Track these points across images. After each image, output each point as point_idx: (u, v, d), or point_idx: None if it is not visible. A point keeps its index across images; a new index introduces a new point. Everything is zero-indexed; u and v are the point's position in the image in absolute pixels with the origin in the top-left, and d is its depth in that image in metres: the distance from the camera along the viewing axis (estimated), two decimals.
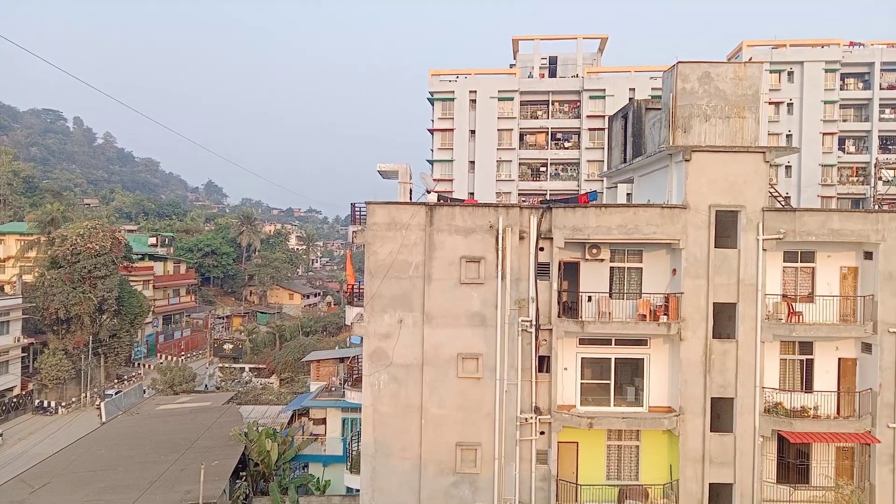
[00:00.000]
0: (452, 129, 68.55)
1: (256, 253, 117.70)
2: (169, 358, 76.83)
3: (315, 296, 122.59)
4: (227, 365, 67.63)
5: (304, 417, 37.72)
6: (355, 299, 24.97)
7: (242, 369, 66.11)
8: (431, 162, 69.89)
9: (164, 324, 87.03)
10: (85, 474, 29.25)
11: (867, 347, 22.80)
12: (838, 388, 23.23)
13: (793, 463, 23.41)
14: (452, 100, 68.48)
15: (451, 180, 67.98)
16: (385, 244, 22.39)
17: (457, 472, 22.25)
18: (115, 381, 67.06)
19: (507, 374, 22.20)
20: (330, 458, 34.21)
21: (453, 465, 22.25)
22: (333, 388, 37.87)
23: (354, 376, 28.03)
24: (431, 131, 70.09)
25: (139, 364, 75.44)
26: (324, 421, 36.23)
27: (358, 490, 24.31)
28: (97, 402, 54.25)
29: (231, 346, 78.40)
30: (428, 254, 22.37)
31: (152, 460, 30.39)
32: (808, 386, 23.23)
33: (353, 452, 27.97)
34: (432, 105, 69.85)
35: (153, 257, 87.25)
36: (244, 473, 31.03)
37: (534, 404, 22.30)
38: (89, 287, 61.01)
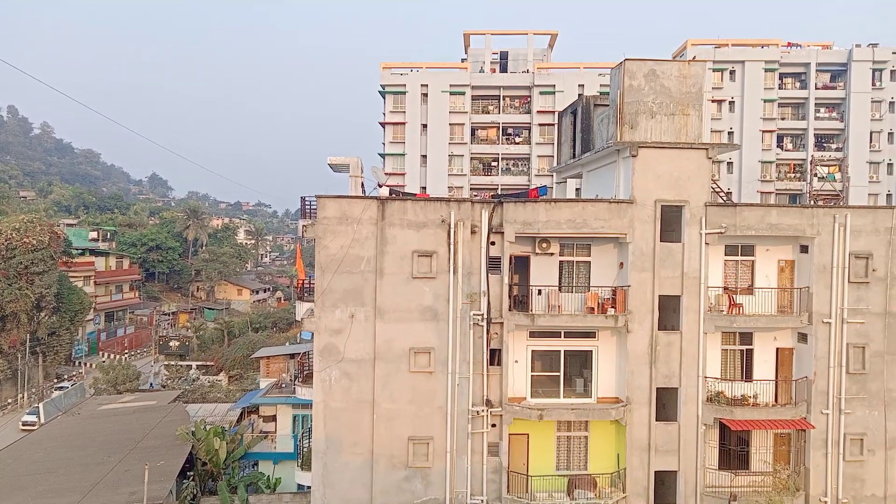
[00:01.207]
0: (404, 123, 68.37)
1: (203, 248, 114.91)
2: (112, 356, 74.39)
3: (265, 291, 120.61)
4: (173, 363, 65.83)
5: (254, 415, 37.15)
6: (306, 294, 24.69)
7: (189, 367, 64.57)
8: (383, 156, 69.56)
9: (107, 321, 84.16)
10: (21, 478, 28.14)
11: (803, 337, 23.77)
12: (776, 377, 24.16)
13: (734, 450, 24.26)
14: (404, 93, 68.27)
15: (403, 174, 67.84)
16: (336, 238, 22.19)
17: (409, 467, 22.28)
18: (55, 380, 64.62)
19: (459, 367, 22.32)
20: (280, 455, 33.80)
21: (406, 460, 22.28)
22: (284, 385, 37.41)
23: (305, 372, 27.71)
24: (383, 125, 69.75)
25: (80, 363, 72.82)
26: (274, 418, 35.75)
27: (309, 487, 24.10)
28: (35, 404, 52.18)
29: (177, 344, 76.44)
30: (380, 248, 22.27)
31: (95, 462, 29.44)
32: (748, 375, 24.09)
33: (305, 449, 27.69)
34: (384, 98, 69.49)
35: (94, 252, 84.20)
36: (191, 473, 30.37)
37: (485, 397, 22.49)
38: (26, 283, 58.52)
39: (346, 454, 22.22)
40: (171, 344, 76.60)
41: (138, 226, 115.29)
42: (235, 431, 33.17)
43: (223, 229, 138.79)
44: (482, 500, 22.37)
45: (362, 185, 26.29)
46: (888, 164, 66.63)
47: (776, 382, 24.03)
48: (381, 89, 69.29)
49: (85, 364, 72.50)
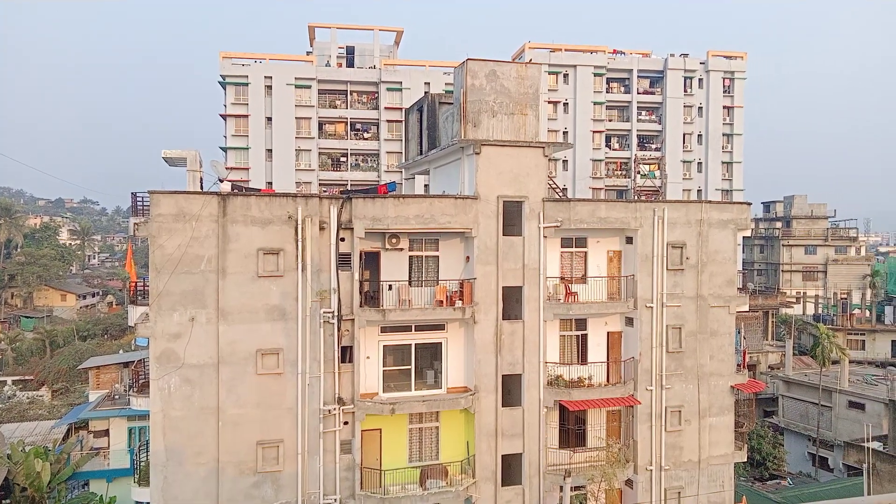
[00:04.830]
0: (247, 116, 65.69)
1: (19, 250, 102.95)
2: None
3: (93, 296, 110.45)
4: None
5: (83, 431, 34.08)
6: (139, 298, 22.97)
7: (3, 382, 57.78)
8: (225, 149, 66.37)
9: None
10: None
11: (630, 321, 25.99)
12: (608, 359, 26.23)
13: (572, 429, 26.03)
14: (246, 84, 65.57)
15: (248, 169, 65.21)
16: (173, 237, 20.84)
17: (258, 472, 21.52)
18: None
19: (310, 366, 21.91)
20: (115, 472, 31.31)
21: (254, 465, 21.49)
22: (117, 396, 34.62)
23: (141, 381, 25.80)
24: (224, 117, 66.52)
25: None
26: (107, 432, 33.02)
27: (148, 503, 22.51)
28: None
29: None
30: (222, 246, 21.24)
31: None
32: (583, 358, 25.92)
33: (142, 463, 25.83)
34: (224, 89, 66.28)
35: None
36: (7, 501, 27.22)
37: (337, 395, 22.27)
38: None
39: (188, 465, 21.00)
40: None
41: None
42: (61, 451, 30.26)
43: (42, 229, 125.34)
44: (335, 500, 22.17)
45: (201, 179, 24.96)
46: (698, 162, 74.47)
47: (608, 364, 26.07)
48: (221, 80, 65.96)
49: None
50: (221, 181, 24.30)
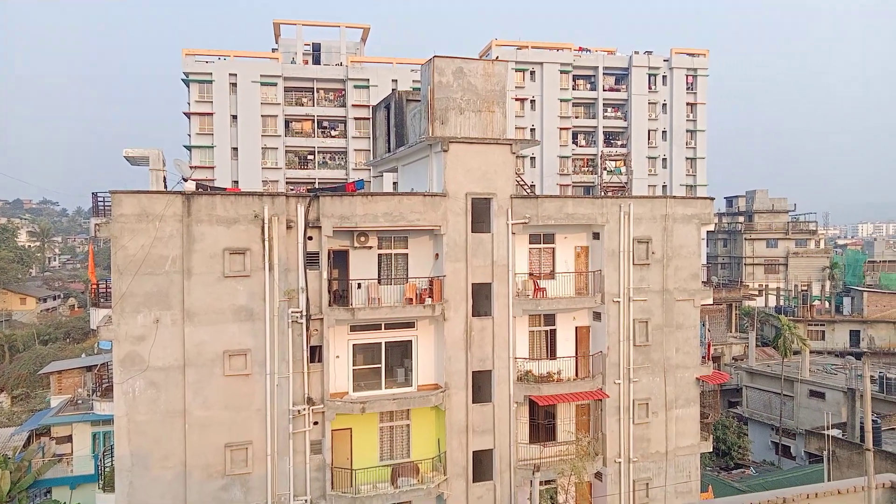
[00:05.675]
0: (212, 114, 64.62)
1: None
2: None
3: (54, 299, 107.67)
4: None
5: (45, 437, 33.25)
6: (102, 300, 22.52)
7: None
8: (189, 148, 65.26)
9: None
10: None
11: (597, 316, 26.29)
12: (576, 354, 26.49)
13: (542, 423, 26.24)
14: (211, 82, 64.49)
15: (213, 168, 64.20)
16: (136, 237, 20.43)
17: (227, 475, 21.25)
18: None
19: (278, 367, 21.70)
20: (79, 478, 30.62)
21: (223, 468, 21.22)
22: (80, 401, 33.85)
23: (105, 385, 25.31)
24: (188, 115, 65.37)
25: None
26: (70, 438, 32.28)
27: None
28: None
29: None
30: (187, 246, 20.89)
31: None
32: (552, 353, 26.14)
33: (107, 469, 25.30)
34: (188, 87, 65.12)
35: None
36: None
37: (306, 395, 22.10)
38: None
39: (155, 469, 20.64)
40: None
41: None
42: (22, 458, 29.45)
43: None
44: (306, 500, 22.02)
45: (165, 179, 24.51)
46: (663, 158, 75.54)
47: (576, 358, 26.33)
48: (184, 77, 64.78)
49: None
50: (186, 180, 23.91)
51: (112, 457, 23.39)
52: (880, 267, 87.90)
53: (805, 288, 77.03)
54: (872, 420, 31.18)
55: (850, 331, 69.28)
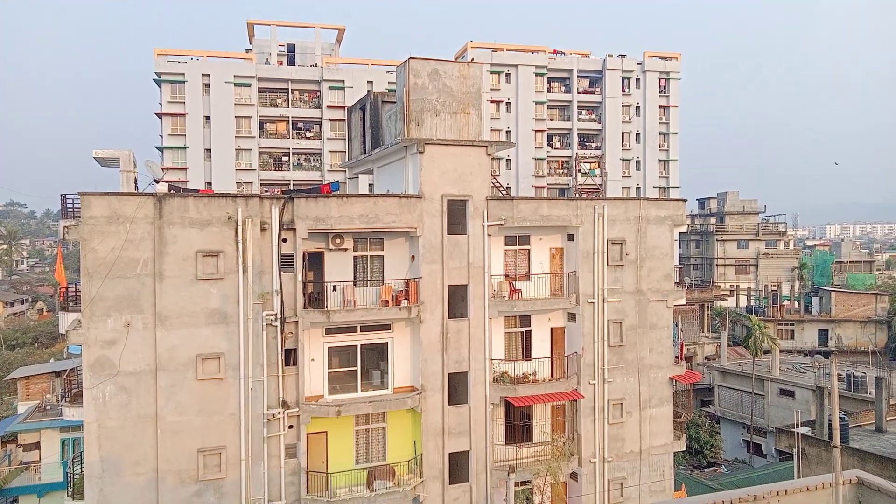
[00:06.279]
0: (185, 114, 63.86)
1: None
2: None
3: (22, 303, 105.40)
4: None
5: (12, 444, 32.46)
6: (71, 304, 22.05)
7: None
8: (161, 149, 64.38)
9: None
10: None
11: (572, 317, 26.46)
12: (552, 354, 26.64)
13: (518, 425, 26.33)
14: (184, 82, 63.74)
15: (185, 169, 63.43)
16: (106, 240, 20.07)
17: (200, 480, 20.96)
18: None
19: (253, 371, 21.48)
20: (47, 486, 29.99)
21: (196, 473, 20.92)
22: (49, 407, 33.15)
23: (74, 391, 24.81)
24: (160, 115, 64.48)
25: None
26: (38, 445, 31.58)
27: None
28: None
29: None
30: (158, 249, 20.58)
31: None
32: (528, 354, 26.26)
33: (76, 476, 24.81)
34: (160, 87, 64.25)
35: None
36: None
37: (281, 399, 21.91)
38: None
39: (126, 475, 20.29)
40: None
41: None
42: None
43: None
44: None
45: (136, 180, 24.14)
46: (636, 160, 76.43)
47: (552, 359, 26.48)
48: (156, 77, 63.92)
49: None
50: (157, 182, 23.58)
51: (81, 464, 22.96)
52: (847, 267, 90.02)
53: (775, 288, 78.52)
54: (840, 417, 31.89)
55: (819, 330, 70.73)
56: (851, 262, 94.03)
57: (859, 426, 38.05)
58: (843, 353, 66.30)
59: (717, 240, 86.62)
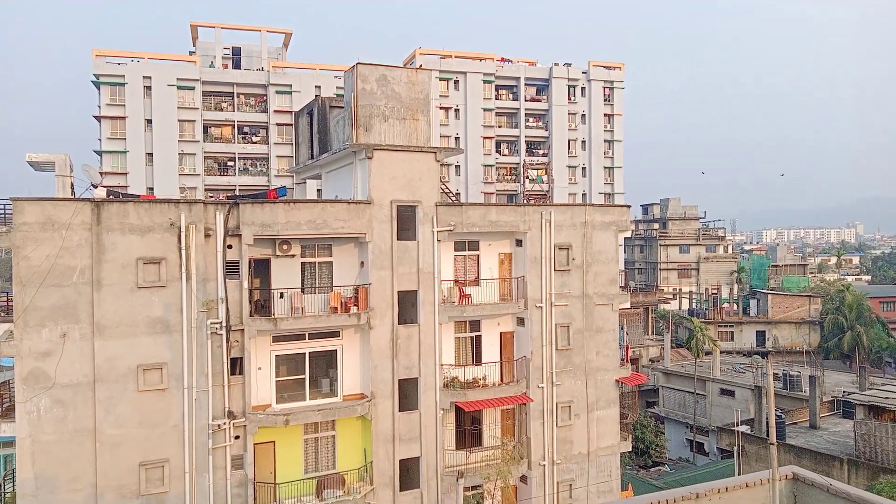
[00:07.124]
0: (125, 118, 61.93)
1: None
2: None
3: None
4: None
5: None
6: (3, 314, 21.10)
7: None
8: (100, 153, 62.26)
9: None
10: None
11: (521, 321, 26.75)
12: (501, 359, 26.87)
13: (468, 429, 26.43)
14: (123, 85, 61.83)
15: (126, 174, 61.47)
16: (40, 247, 19.27)
17: (142, 495, 20.28)
18: None
19: (197, 381, 20.93)
20: None
21: (137, 488, 20.23)
22: None
23: (6, 405, 23.64)
24: (98, 118, 62.36)
25: None
26: None
27: None
28: None
29: None
30: (96, 256, 19.88)
31: None
32: (477, 359, 26.41)
33: (7, 494, 23.65)
34: (98, 89, 62.15)
35: None
36: None
37: (227, 409, 21.41)
38: None
39: (62, 492, 19.46)
40: None
41: None
42: None
43: None
44: None
45: (72, 185, 23.28)
46: (582, 167, 77.89)
47: (501, 364, 26.71)
48: (94, 79, 61.80)
49: None
50: (95, 187, 22.81)
51: (14, 481, 21.91)
52: (783, 271, 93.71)
53: (715, 291, 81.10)
54: (777, 416, 33.11)
55: (757, 331, 73.33)
56: (786, 265, 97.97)
57: (795, 423, 39.57)
58: (779, 353, 68.89)
59: (661, 244, 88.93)
